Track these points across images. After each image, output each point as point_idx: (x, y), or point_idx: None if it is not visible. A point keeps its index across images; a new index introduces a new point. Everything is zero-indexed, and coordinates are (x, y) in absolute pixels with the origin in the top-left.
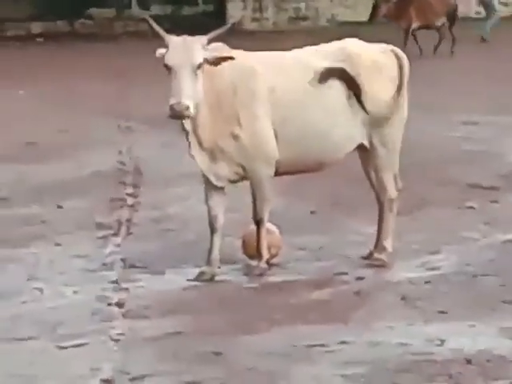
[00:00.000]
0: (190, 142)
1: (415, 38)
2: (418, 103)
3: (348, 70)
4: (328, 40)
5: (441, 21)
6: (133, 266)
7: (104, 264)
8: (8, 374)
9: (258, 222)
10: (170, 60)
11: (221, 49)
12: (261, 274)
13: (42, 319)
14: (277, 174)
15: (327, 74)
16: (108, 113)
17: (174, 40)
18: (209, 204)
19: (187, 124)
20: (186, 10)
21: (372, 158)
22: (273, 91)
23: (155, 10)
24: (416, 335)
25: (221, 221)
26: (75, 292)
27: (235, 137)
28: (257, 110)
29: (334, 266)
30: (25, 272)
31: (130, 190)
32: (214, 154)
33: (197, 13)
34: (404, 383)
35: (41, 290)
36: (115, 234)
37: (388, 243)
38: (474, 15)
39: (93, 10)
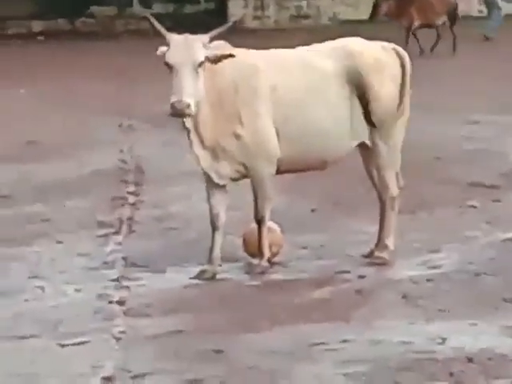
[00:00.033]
0: (191, 141)
1: (415, 37)
2: (419, 102)
3: (355, 72)
4: (329, 38)
5: (441, 20)
6: (134, 265)
7: (105, 262)
8: (10, 372)
9: (260, 221)
10: (171, 58)
11: (222, 47)
12: (262, 273)
13: (43, 317)
14: (278, 172)
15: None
16: (109, 111)
17: (175, 38)
18: (210, 202)
19: (188, 122)
20: (188, 8)
21: (374, 156)
22: (274, 89)
23: (157, 8)
24: (417, 334)
25: (222, 219)
26: (77, 290)
27: (237, 135)
28: (258, 108)
29: (336, 264)
30: (27, 270)
31: (131, 189)
32: (215, 153)
33: (198, 11)
34: (405, 382)
35: (42, 288)
36: (117, 233)
37: (389, 241)
38: (475, 14)
39: (94, 8)
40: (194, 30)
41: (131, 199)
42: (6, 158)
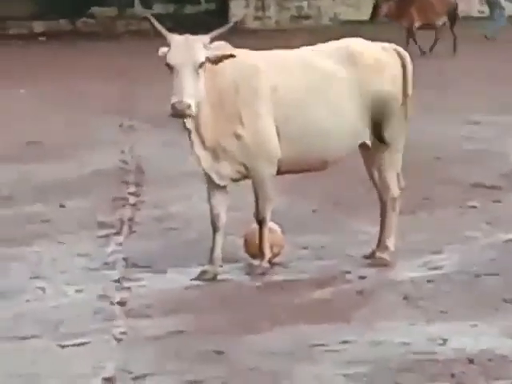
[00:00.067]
0: (192, 141)
1: (414, 38)
2: (420, 102)
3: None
4: (330, 39)
5: (442, 20)
6: (135, 265)
7: (106, 263)
8: (10, 372)
9: (261, 221)
10: (171, 59)
11: (223, 47)
12: (263, 273)
13: (44, 318)
14: (279, 172)
15: None
16: (110, 112)
17: (175, 39)
18: (211, 203)
19: (189, 123)
20: (189, 9)
21: (375, 157)
22: (275, 90)
23: (157, 8)
24: (418, 335)
25: (223, 220)
26: (77, 291)
27: (237, 136)
28: (259, 108)
29: (337, 265)
30: (27, 271)
31: (132, 189)
32: (216, 153)
33: (199, 11)
34: (406, 383)
35: (43, 288)
36: (117, 233)
37: (390, 242)
38: (476, 14)
39: (95, 9)
40: (195, 30)
41: (132, 200)
42: (7, 158)
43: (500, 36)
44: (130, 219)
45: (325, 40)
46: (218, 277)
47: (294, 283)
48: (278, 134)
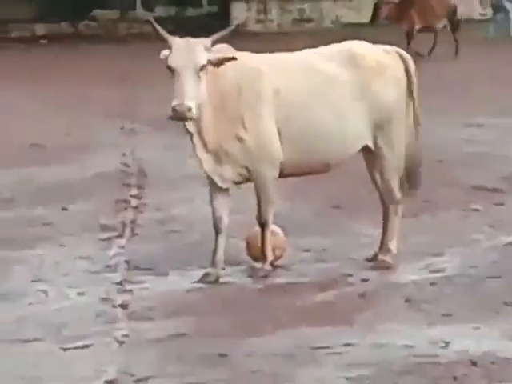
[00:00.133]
0: (194, 144)
1: (410, 41)
2: (421, 105)
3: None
4: (332, 42)
5: (442, 23)
6: (137, 268)
7: (108, 266)
8: (13, 375)
9: (263, 224)
10: (173, 62)
11: (225, 50)
12: (265, 276)
13: (46, 321)
14: (282, 175)
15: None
16: (112, 115)
17: (177, 42)
18: (213, 205)
19: (191, 126)
20: (190, 12)
21: (377, 160)
22: (277, 92)
23: (159, 11)
24: (420, 337)
25: (225, 222)
26: (80, 294)
27: (240, 139)
28: (261, 111)
29: (339, 267)
30: (30, 273)
31: (134, 192)
32: (218, 156)
33: (201, 14)
34: None
35: (45, 291)
36: (119, 236)
37: (393, 245)
38: (477, 17)
39: (97, 12)
40: (197, 33)
41: (134, 202)
42: (9, 161)
43: (502, 39)
44: (132, 222)
45: (327, 43)
46: (220, 279)
47: (296, 286)
48: (280, 137)
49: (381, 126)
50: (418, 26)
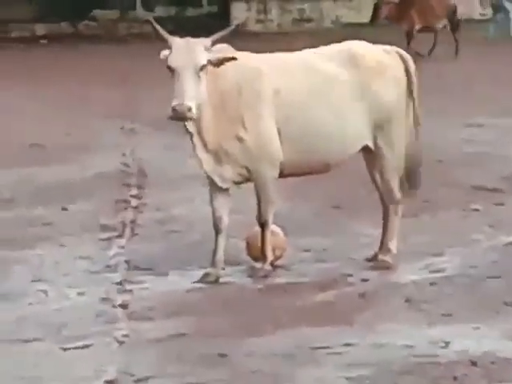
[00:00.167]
0: (194, 144)
1: (409, 42)
2: (421, 105)
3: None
4: (332, 42)
5: (442, 23)
6: (137, 268)
7: (108, 266)
8: (13, 375)
9: (263, 224)
10: (173, 62)
11: (225, 50)
12: (265, 276)
13: (46, 321)
14: (282, 175)
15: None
16: (112, 115)
17: (177, 42)
18: (213, 205)
19: (190, 126)
20: (190, 12)
21: (377, 160)
22: (277, 92)
23: (159, 11)
24: (420, 337)
25: (225, 222)
26: (79, 294)
27: (240, 139)
28: (261, 111)
29: (339, 267)
30: (30, 273)
31: (134, 192)
32: (218, 156)
33: (201, 14)
34: None
35: (45, 291)
36: (119, 236)
37: (393, 245)
38: (478, 17)
39: (97, 12)
40: (197, 33)
41: (134, 202)
42: (9, 161)
43: (502, 39)
44: (132, 222)
45: (327, 43)
46: (220, 279)
47: (296, 286)
48: (280, 137)
49: (381, 126)
50: (417, 26)
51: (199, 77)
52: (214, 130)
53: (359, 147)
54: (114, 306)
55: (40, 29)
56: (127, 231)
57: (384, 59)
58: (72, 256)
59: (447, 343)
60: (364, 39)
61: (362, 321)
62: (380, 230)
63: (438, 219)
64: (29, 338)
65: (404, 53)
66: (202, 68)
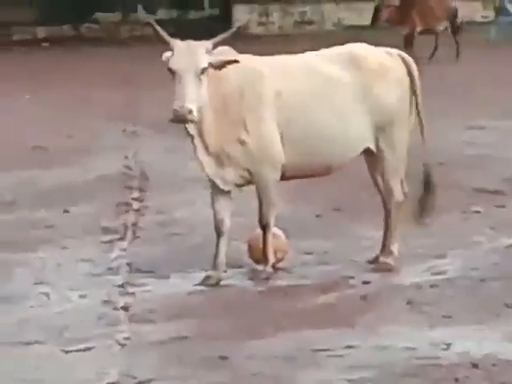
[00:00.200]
0: (195, 147)
1: (407, 44)
2: (423, 108)
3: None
4: (334, 44)
5: (443, 25)
6: (138, 271)
7: (110, 268)
8: (14, 378)
9: (264, 227)
10: (174, 64)
11: (227, 53)
12: (267, 279)
13: (48, 324)
14: (284, 178)
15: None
16: (114, 117)
17: (178, 44)
18: (215, 208)
19: (192, 129)
20: (192, 14)
21: (379, 162)
22: (279, 95)
23: (161, 14)
24: (422, 339)
25: (227, 225)
26: (81, 296)
27: (241, 142)
28: (263, 113)
29: (340, 270)
30: (32, 276)
31: (135, 195)
32: (220, 159)
33: (203, 17)
34: None
35: (47, 294)
36: (121, 239)
37: (394, 247)
38: (479, 19)
39: (98, 15)
40: (198, 35)
41: (136, 205)
42: (12, 164)
43: (503, 41)
44: (134, 224)
45: (328, 45)
46: (222, 282)
47: (297, 288)
48: (282, 139)
49: (382, 128)
50: (418, 29)
51: (200, 79)
52: (216, 133)
53: (361, 150)
54: (115, 309)
55: (42, 32)
56: (129, 234)
57: (386, 61)
58: (74, 258)
59: (449, 345)
60: (365, 42)
61: (364, 323)
62: (382, 233)
63: (439, 221)
64: (30, 340)
65: (406, 56)
66: (203, 71)
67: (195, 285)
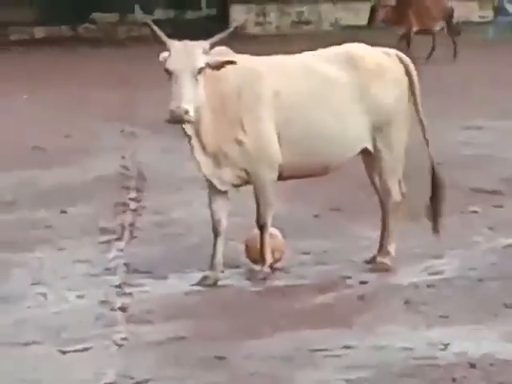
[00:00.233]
0: (192, 147)
1: (401, 44)
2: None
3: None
4: (331, 44)
5: (439, 25)
6: (136, 271)
7: (107, 268)
8: (12, 378)
9: (262, 227)
10: (170, 64)
11: (225, 53)
12: (264, 279)
13: (45, 324)
14: (281, 178)
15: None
16: (111, 118)
17: (175, 45)
18: (212, 208)
19: (189, 129)
20: (190, 15)
21: (376, 162)
22: (277, 95)
23: (158, 14)
24: (419, 339)
25: (224, 225)
26: (79, 297)
27: (239, 142)
28: (261, 113)
29: (338, 270)
30: (29, 276)
31: (133, 195)
32: (217, 159)
33: (200, 17)
34: None
35: (44, 294)
36: (119, 239)
37: (391, 247)
38: (477, 19)
39: (96, 15)
40: (196, 36)
41: (133, 205)
42: (11, 164)
43: (501, 41)
44: (131, 225)
45: (325, 45)
46: (219, 282)
47: (295, 288)
48: (279, 139)
49: (380, 129)
50: (415, 29)
51: (197, 80)
52: (214, 133)
53: (359, 150)
54: (113, 309)
55: (39, 32)
56: (126, 234)
57: (384, 61)
58: (71, 259)
59: (446, 345)
60: (363, 42)
61: (361, 323)
62: (379, 233)
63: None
64: (28, 341)
65: (404, 56)
66: (200, 71)
67: (192, 285)
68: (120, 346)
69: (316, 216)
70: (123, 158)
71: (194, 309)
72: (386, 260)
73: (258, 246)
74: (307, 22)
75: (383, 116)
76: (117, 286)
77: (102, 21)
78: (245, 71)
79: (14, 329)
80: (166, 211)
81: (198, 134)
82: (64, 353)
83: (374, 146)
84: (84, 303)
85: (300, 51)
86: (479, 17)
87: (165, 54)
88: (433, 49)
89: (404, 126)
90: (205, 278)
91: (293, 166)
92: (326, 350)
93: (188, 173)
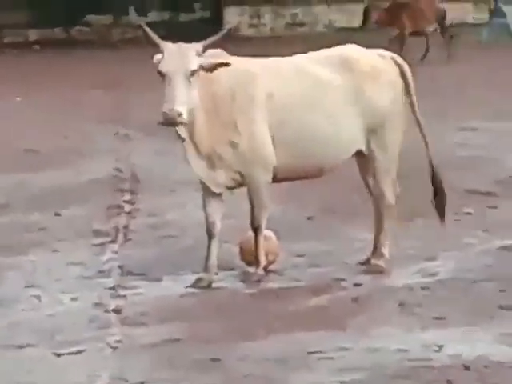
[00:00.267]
0: (186, 149)
1: (394, 45)
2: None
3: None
4: (325, 46)
5: (432, 27)
6: (130, 273)
7: (101, 271)
8: (7, 381)
9: (256, 229)
10: (164, 67)
11: (219, 55)
12: (258, 281)
13: (39, 327)
14: (275, 180)
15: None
16: (105, 120)
17: (168, 47)
18: (206, 210)
19: (182, 131)
20: (183, 17)
21: (370, 164)
22: (271, 97)
23: (152, 16)
24: (414, 341)
25: (218, 227)
26: (73, 299)
27: (233, 144)
28: (255, 115)
29: (332, 272)
30: (23, 279)
31: (127, 197)
32: (211, 161)
33: (194, 19)
34: None
35: (38, 297)
36: (113, 241)
37: (385, 249)
38: (471, 21)
39: (90, 17)
40: (190, 38)
41: (127, 208)
42: (4, 166)
43: (495, 42)
44: (125, 227)
45: (320, 47)
46: (213, 284)
47: (289, 291)
48: (274, 141)
49: (374, 131)
50: (408, 31)
51: (190, 82)
52: (207, 135)
53: (353, 152)
54: (107, 312)
55: (33, 34)
56: (120, 236)
57: (378, 64)
58: (65, 261)
59: (440, 347)
60: (358, 44)
61: (356, 325)
62: (373, 235)
63: (430, 223)
64: (22, 343)
65: (399, 58)
66: (193, 73)
67: (187, 287)
68: (114, 348)
69: (310, 218)
70: (117, 160)
71: (188, 311)
72: (380, 262)
73: (253, 248)
74: (301, 24)
75: (378, 118)
76: (111, 289)
77: (96, 23)
78: (238, 73)
79: (8, 331)
80: (159, 213)
81: (191, 137)
82: (58, 355)
83: (368, 148)
84: (78, 306)
85: (294, 53)
86: (474, 18)
87: (159, 56)
88: (427, 50)
89: (399, 127)
90: (199, 280)
91: (287, 168)
92: (320, 352)
93: (182, 175)
